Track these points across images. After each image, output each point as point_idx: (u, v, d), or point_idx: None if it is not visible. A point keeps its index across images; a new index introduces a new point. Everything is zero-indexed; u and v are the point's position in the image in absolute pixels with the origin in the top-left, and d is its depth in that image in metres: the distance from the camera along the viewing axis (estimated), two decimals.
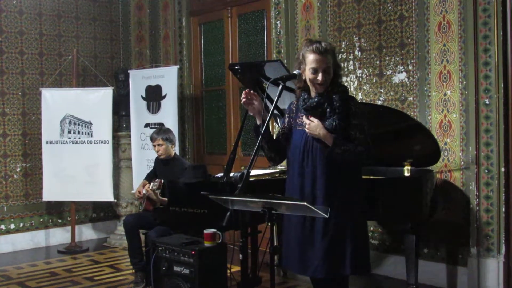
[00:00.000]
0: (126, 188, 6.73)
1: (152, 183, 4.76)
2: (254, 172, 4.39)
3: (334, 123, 2.99)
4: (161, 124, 6.29)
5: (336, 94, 3.03)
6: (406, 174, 4.38)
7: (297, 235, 3.08)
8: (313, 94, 3.08)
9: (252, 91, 3.16)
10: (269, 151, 3.21)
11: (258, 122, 3.17)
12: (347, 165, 3.02)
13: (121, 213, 6.71)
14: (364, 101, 5.06)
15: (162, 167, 5.14)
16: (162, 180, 4.78)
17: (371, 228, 5.14)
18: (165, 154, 5.07)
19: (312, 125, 2.99)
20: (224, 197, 2.84)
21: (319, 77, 3.00)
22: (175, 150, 5.27)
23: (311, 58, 3.01)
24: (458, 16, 4.46)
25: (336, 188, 3.00)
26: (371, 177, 4.35)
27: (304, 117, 3.05)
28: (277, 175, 4.61)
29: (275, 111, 4.27)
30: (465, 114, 4.47)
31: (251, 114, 3.22)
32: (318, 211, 2.59)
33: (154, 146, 5.11)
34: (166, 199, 4.63)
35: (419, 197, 4.10)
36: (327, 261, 2.99)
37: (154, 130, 5.33)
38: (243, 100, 3.16)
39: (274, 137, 3.26)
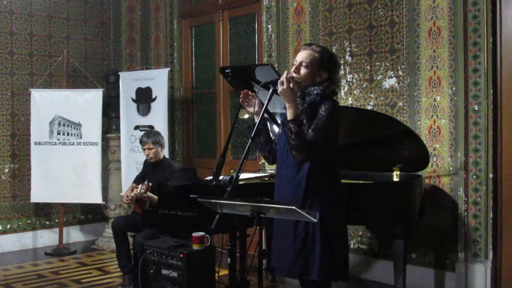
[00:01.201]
0: (114, 191, 6.70)
1: (140, 186, 4.75)
2: (243, 175, 4.39)
3: None
4: (151, 127, 6.27)
5: (309, 97, 2.97)
6: (395, 179, 4.39)
7: (276, 234, 3.11)
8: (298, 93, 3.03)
9: (250, 92, 3.17)
10: (262, 150, 3.24)
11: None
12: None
13: (110, 216, 6.67)
14: (354, 106, 5.07)
15: (151, 170, 5.12)
16: (150, 184, 4.77)
17: (360, 233, 5.14)
18: (155, 157, 5.06)
19: (288, 90, 2.83)
20: (213, 200, 2.83)
21: (292, 69, 2.99)
22: (165, 152, 5.26)
23: None
24: (449, 22, 4.49)
25: (307, 191, 2.95)
26: (360, 181, 4.36)
27: (293, 70, 2.91)
28: (267, 178, 4.61)
29: (265, 115, 4.26)
30: (454, 120, 4.50)
31: (249, 112, 3.22)
32: (307, 215, 2.57)
33: (144, 149, 5.09)
34: (156, 196, 4.62)
35: (407, 202, 4.12)
36: (297, 264, 2.96)
37: (143, 133, 5.30)
38: (241, 100, 3.18)
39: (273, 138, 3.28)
